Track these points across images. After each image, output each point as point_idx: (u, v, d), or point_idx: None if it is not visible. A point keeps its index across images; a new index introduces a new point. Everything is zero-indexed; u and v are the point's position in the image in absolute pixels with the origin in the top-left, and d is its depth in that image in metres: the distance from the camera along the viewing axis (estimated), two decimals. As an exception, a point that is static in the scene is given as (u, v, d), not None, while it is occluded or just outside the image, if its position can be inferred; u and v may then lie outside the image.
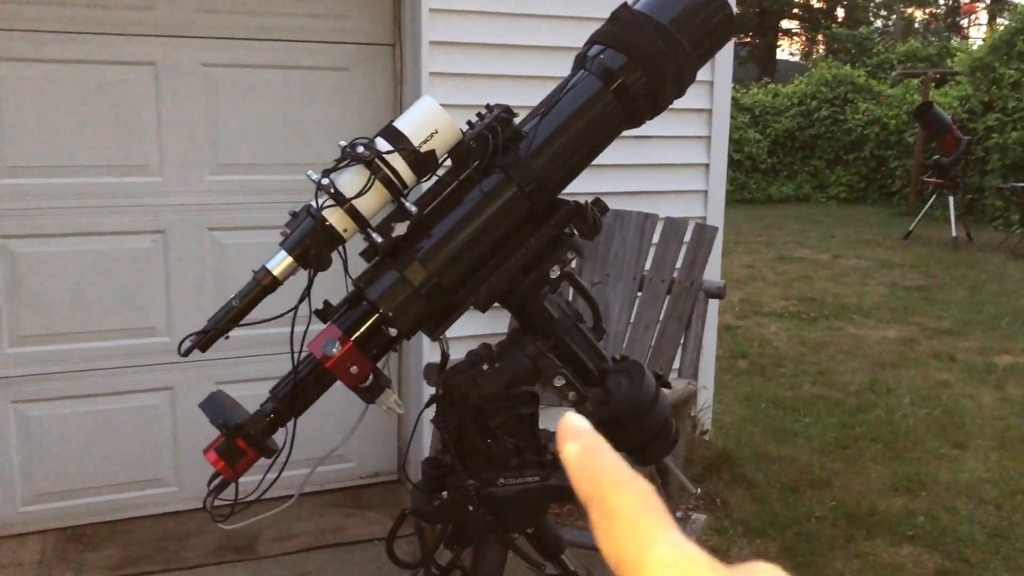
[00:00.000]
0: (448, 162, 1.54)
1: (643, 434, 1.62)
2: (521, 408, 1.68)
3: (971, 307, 7.47)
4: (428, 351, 3.31)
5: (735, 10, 1.55)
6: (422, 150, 1.48)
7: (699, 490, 3.41)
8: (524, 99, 3.20)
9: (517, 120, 1.56)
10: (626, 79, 1.51)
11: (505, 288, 1.54)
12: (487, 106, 1.58)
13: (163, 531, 3.37)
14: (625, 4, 1.56)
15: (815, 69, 16.92)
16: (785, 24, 31.64)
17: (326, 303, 1.57)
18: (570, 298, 2.63)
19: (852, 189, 14.98)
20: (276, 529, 3.38)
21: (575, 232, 1.59)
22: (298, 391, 1.56)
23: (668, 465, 2.43)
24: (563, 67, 3.57)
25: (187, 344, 1.58)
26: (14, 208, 3.11)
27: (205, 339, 1.59)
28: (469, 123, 1.56)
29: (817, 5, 30.34)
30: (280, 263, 1.51)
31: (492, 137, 1.50)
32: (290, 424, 1.59)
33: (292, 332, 1.51)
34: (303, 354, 1.51)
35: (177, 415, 3.43)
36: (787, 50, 34.03)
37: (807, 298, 7.71)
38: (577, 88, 1.55)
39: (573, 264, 1.63)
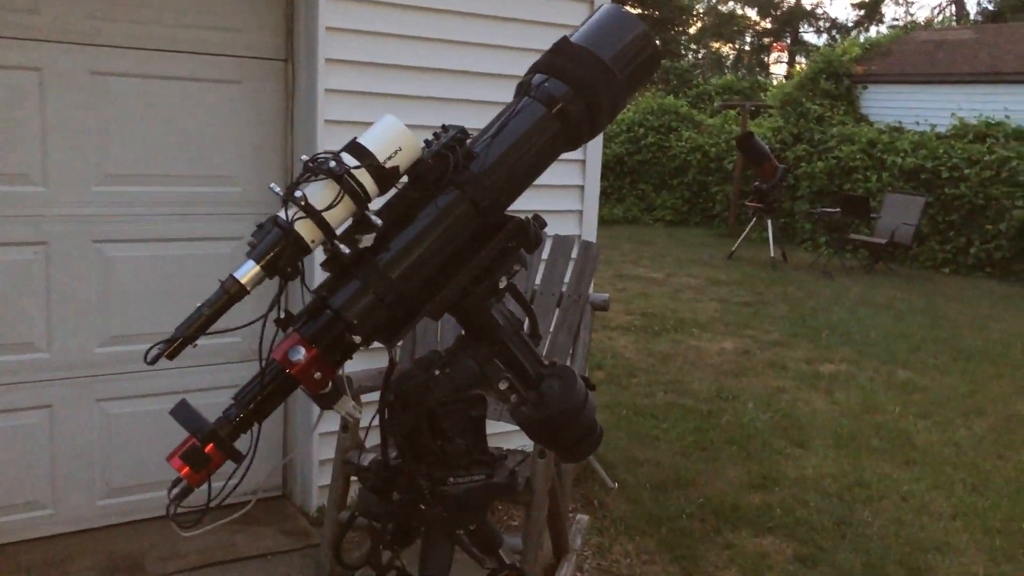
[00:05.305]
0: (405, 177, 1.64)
1: (574, 433, 1.75)
2: (471, 410, 1.79)
3: (794, 321, 8.18)
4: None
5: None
6: (387, 166, 1.57)
7: (616, 484, 3.61)
8: (418, 119, 3.32)
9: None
10: (568, 106, 1.66)
11: (457, 297, 1.64)
12: (443, 127, 1.69)
13: (39, 556, 3.21)
14: (566, 38, 1.72)
15: (641, 99, 17.86)
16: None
17: (287, 312, 1.61)
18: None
19: (677, 212, 15.91)
20: (162, 548, 3.30)
21: (519, 246, 1.72)
22: (264, 397, 1.58)
23: (592, 462, 2.60)
24: (457, 89, 3.74)
25: (154, 352, 1.56)
26: None
27: (173, 347, 1.57)
28: (427, 142, 1.66)
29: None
30: (248, 272, 1.52)
31: (450, 155, 1.61)
32: (254, 429, 1.61)
33: (261, 341, 1.54)
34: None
35: (55, 434, 3.28)
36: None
37: (649, 313, 8.18)
38: (524, 113, 1.68)
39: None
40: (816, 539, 3.72)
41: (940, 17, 30.75)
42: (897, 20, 30.95)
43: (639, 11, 30.79)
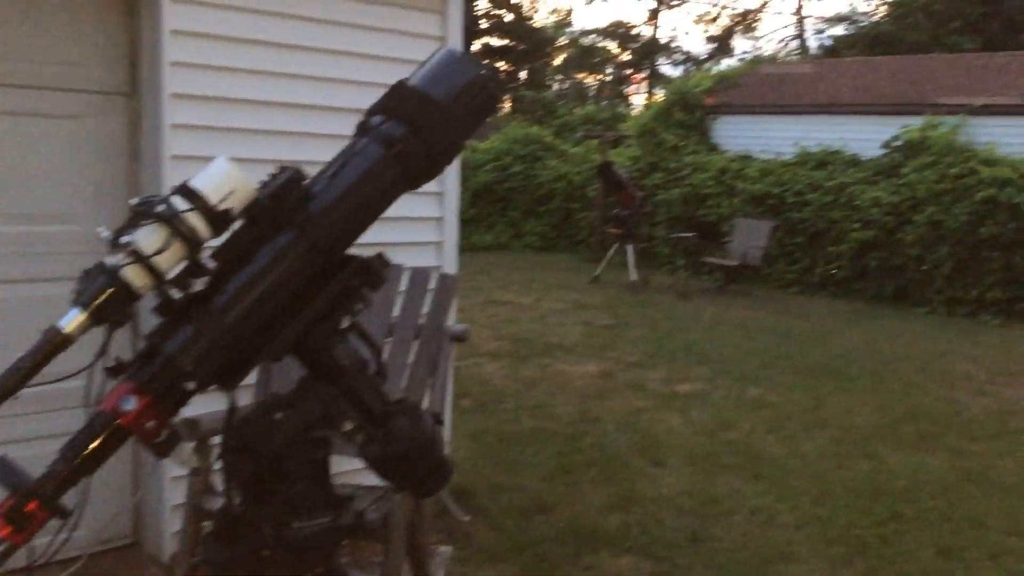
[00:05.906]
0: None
1: (422, 470, 1.77)
2: (315, 452, 1.79)
3: (653, 342, 8.47)
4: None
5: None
6: (219, 208, 1.56)
7: (468, 517, 3.63)
8: (268, 153, 3.34)
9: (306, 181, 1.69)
10: (406, 147, 1.70)
11: (298, 339, 1.65)
12: (281, 167, 1.70)
13: None
14: (403, 81, 1.76)
15: (508, 128, 18.16)
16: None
17: (118, 360, 1.57)
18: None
19: (544, 238, 16.23)
20: (2, 608, 3.11)
21: (362, 284, 1.75)
22: (92, 449, 1.53)
23: (442, 496, 2.62)
24: (308, 123, 3.73)
25: (-31, 407, 1.49)
26: None
27: (-9, 400, 1.50)
28: (263, 182, 1.67)
29: (504, 68, 32.50)
30: (73, 321, 1.48)
31: (286, 196, 1.62)
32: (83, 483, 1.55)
33: (88, 390, 1.50)
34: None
35: None
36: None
37: (517, 338, 8.30)
38: (363, 153, 1.71)
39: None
40: (671, 556, 3.86)
41: (785, 51, 32.70)
42: (747, 53, 32.72)
43: (505, 42, 31.40)
